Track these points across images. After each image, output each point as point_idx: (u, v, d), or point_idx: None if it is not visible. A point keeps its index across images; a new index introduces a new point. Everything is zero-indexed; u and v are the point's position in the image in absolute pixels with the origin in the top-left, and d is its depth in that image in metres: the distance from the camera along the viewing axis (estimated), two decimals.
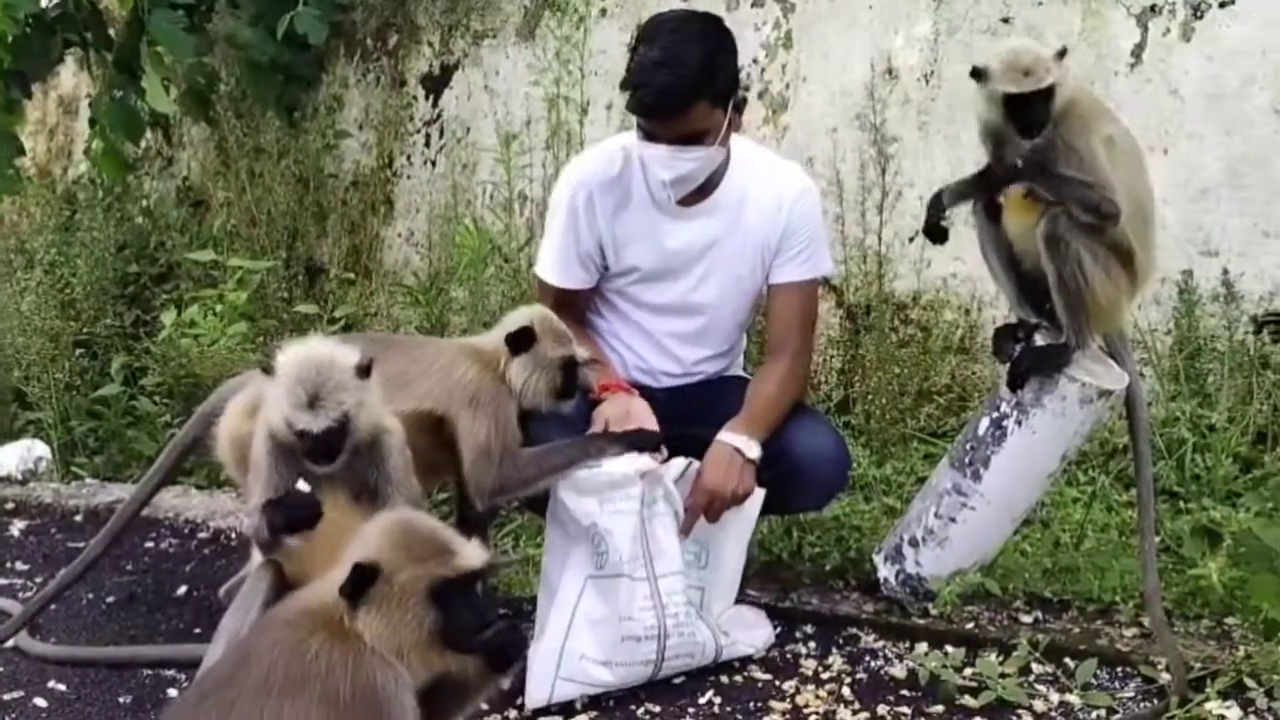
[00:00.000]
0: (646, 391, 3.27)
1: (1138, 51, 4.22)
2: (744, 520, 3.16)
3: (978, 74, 3.07)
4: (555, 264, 3.33)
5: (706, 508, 3.09)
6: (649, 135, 3.08)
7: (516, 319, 3.17)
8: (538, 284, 3.46)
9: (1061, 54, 3.04)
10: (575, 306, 3.37)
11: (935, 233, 3.23)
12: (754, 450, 3.10)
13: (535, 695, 2.96)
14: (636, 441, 3.07)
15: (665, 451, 3.10)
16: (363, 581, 2.05)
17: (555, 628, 2.97)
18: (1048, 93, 3.00)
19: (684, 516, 3.08)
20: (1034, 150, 3.03)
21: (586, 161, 3.33)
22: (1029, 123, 3.03)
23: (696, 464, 3.11)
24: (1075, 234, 3.01)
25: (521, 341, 3.09)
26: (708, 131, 3.08)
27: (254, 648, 2.11)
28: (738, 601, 3.24)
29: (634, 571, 3.01)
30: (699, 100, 3.04)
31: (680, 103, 3.03)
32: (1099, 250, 3.03)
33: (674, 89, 3.01)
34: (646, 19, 3.21)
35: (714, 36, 3.11)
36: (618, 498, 3.01)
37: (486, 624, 2.10)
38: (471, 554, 2.10)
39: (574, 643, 2.96)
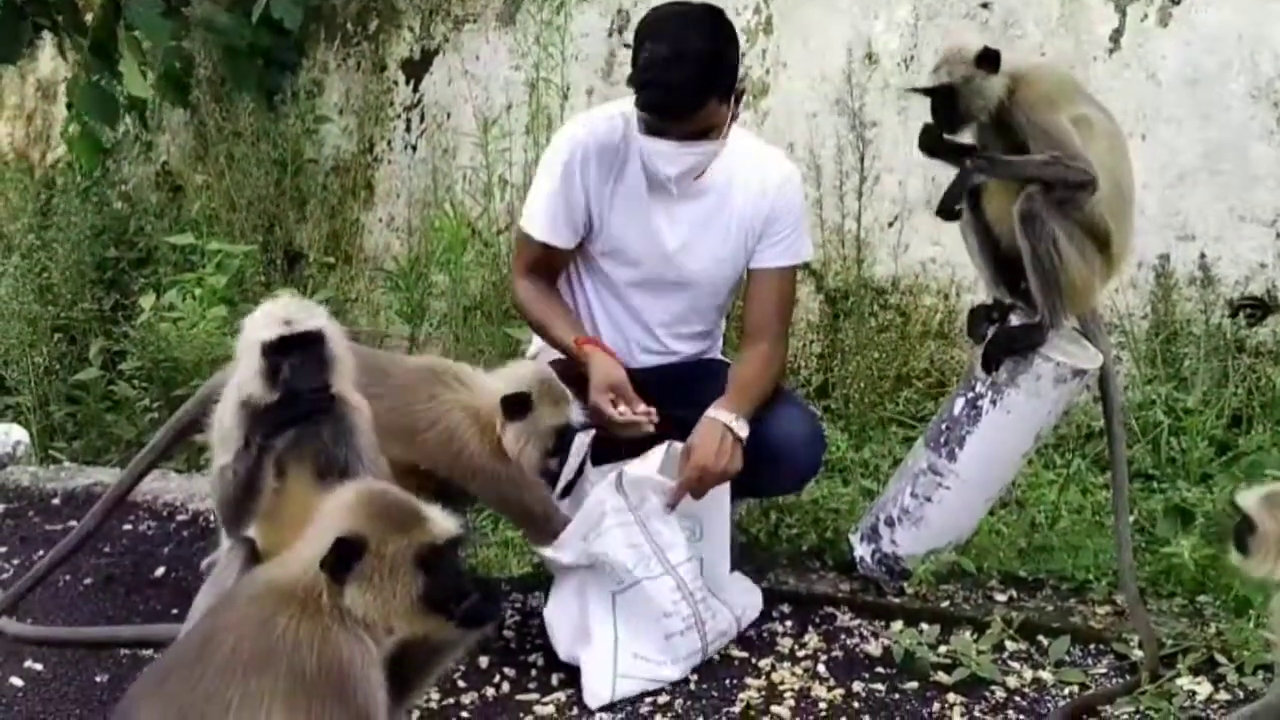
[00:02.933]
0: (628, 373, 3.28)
1: (1116, 37, 4.24)
2: (723, 488, 3.15)
3: None
4: (544, 219, 3.25)
5: (695, 483, 3.07)
6: (655, 130, 3.05)
7: (516, 378, 3.08)
8: (520, 238, 3.37)
9: (984, 55, 3.04)
10: (554, 266, 3.33)
11: (950, 213, 3.21)
12: (744, 429, 3.10)
13: (597, 694, 2.93)
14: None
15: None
16: (349, 555, 2.05)
17: (601, 635, 2.97)
18: (950, 90, 3.05)
19: (671, 493, 3.06)
20: (998, 132, 3.08)
21: (589, 123, 3.25)
22: (937, 115, 3.13)
23: (678, 445, 3.10)
24: (1051, 212, 3.03)
25: (517, 408, 3.02)
26: (715, 126, 3.06)
27: (218, 625, 2.10)
28: None
29: (650, 572, 3.01)
30: (710, 97, 3.01)
31: (694, 101, 3.00)
32: (1074, 230, 3.05)
33: (688, 87, 2.98)
34: (647, 11, 3.17)
35: (720, 30, 3.07)
36: (598, 521, 3.00)
37: (467, 588, 2.13)
38: (447, 520, 2.12)
39: (626, 644, 2.96)
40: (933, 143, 3.19)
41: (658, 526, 3.04)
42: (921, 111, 4.37)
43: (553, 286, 3.34)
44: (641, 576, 2.99)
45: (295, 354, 2.73)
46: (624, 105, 3.24)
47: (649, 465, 3.06)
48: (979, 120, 3.10)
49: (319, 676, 2.00)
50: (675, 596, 3.01)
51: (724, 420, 3.09)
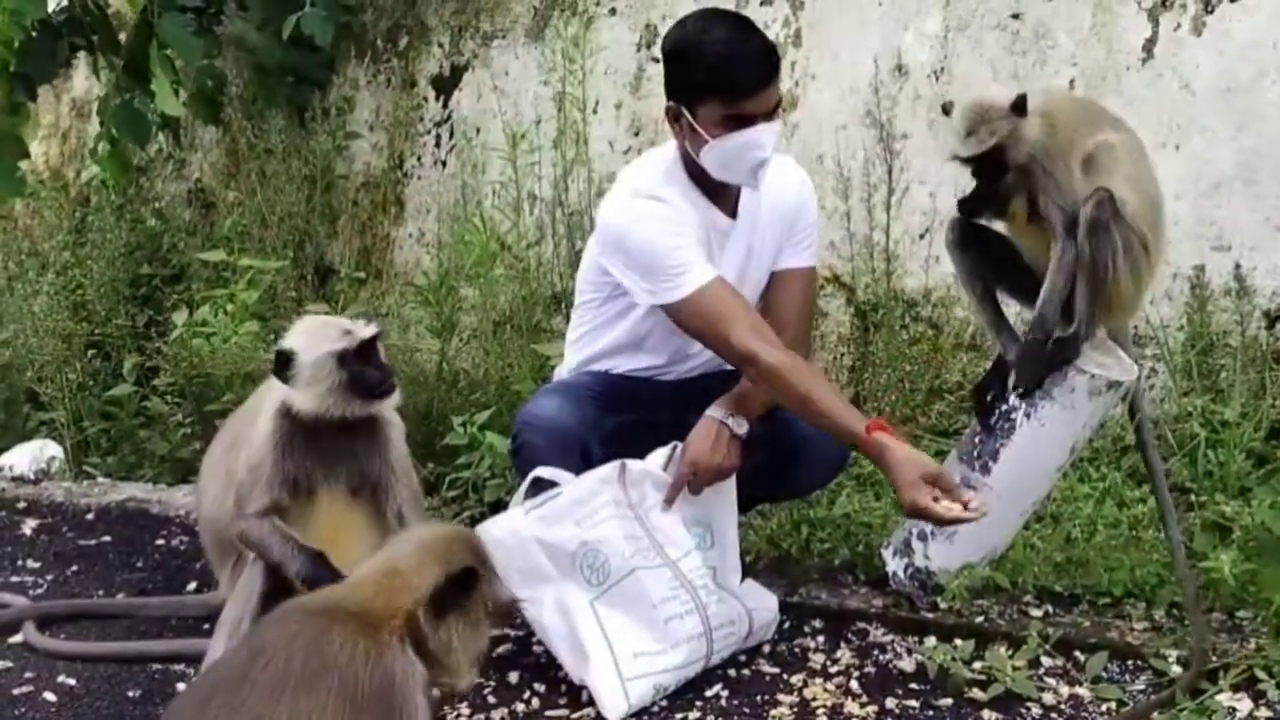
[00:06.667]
0: (654, 384, 3.28)
1: (1149, 46, 4.20)
2: (728, 491, 3.14)
3: (945, 111, 3.16)
4: (694, 257, 3.03)
5: (690, 480, 3.07)
6: (736, 123, 3.00)
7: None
8: (705, 306, 3.01)
9: (1018, 104, 3.03)
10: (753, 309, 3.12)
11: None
12: (741, 426, 3.08)
13: (613, 707, 2.90)
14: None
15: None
16: (464, 589, 2.10)
17: (597, 650, 2.94)
18: (994, 150, 3.04)
19: (668, 489, 3.06)
20: (1019, 171, 3.08)
21: (639, 180, 3.16)
22: (980, 175, 3.12)
23: (680, 446, 3.10)
24: (1119, 223, 3.01)
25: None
26: (780, 103, 3.12)
27: (266, 642, 2.07)
28: None
29: (647, 562, 3.00)
30: (779, 65, 3.10)
31: (775, 66, 3.06)
32: (1133, 241, 3.03)
33: (767, 54, 3.04)
34: (671, 28, 3.17)
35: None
36: (594, 508, 3.00)
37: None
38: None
39: (622, 648, 2.94)
40: (976, 209, 3.24)
41: (657, 522, 3.04)
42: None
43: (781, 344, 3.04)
44: (638, 566, 2.98)
45: (366, 358, 2.82)
46: (653, 158, 3.24)
47: (652, 461, 3.07)
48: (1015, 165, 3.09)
49: (371, 693, 1.99)
50: (674, 585, 3.00)
51: (720, 417, 3.09)
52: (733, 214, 3.22)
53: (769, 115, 3.05)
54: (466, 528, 2.32)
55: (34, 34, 5.43)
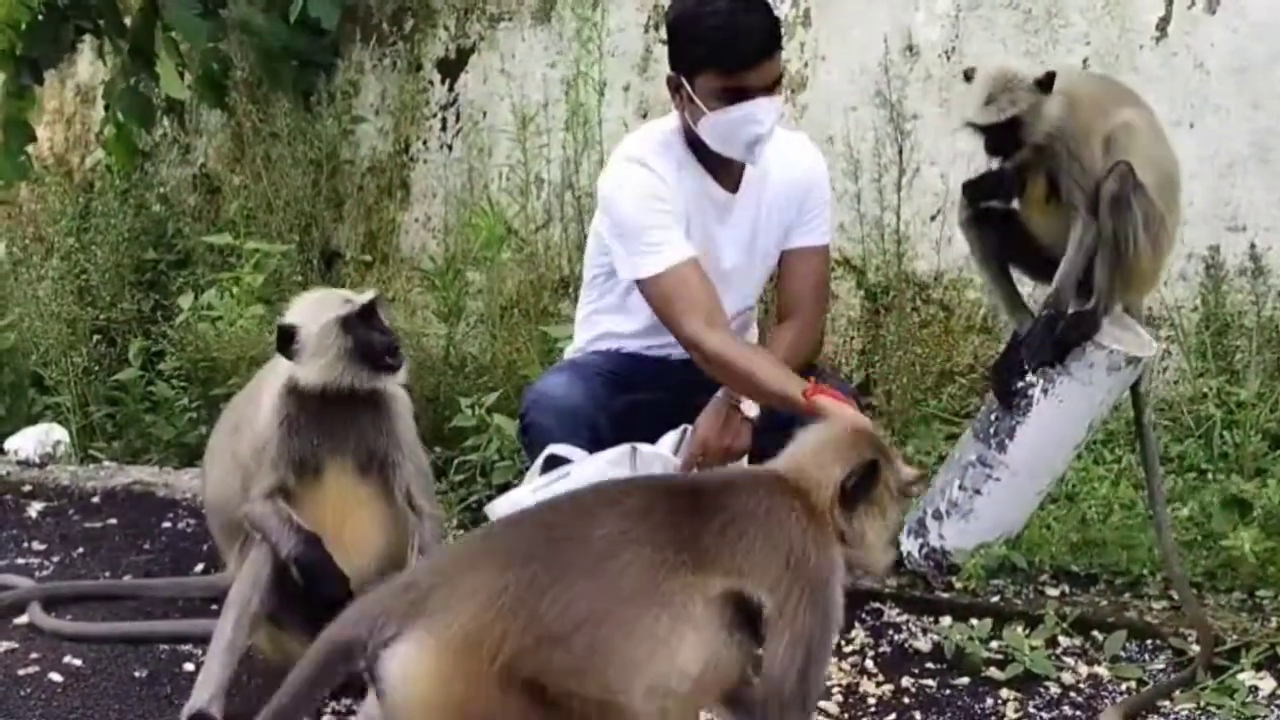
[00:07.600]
0: (663, 362, 3.24)
1: (1163, 25, 4.16)
2: None
3: (967, 77, 3.08)
4: (675, 235, 3.00)
5: (700, 461, 3.03)
6: (734, 95, 2.97)
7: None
8: (664, 287, 2.99)
9: (1045, 80, 2.96)
10: (714, 296, 3.01)
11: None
12: (752, 409, 3.05)
13: None
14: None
15: None
16: (867, 480, 2.18)
17: None
18: (1012, 122, 2.95)
19: (678, 470, 3.02)
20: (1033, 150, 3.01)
21: (636, 149, 3.15)
22: (995, 148, 3.03)
23: (691, 429, 3.06)
24: (1140, 196, 2.96)
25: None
26: (781, 77, 3.07)
27: (735, 477, 2.21)
28: None
29: None
30: (781, 39, 3.05)
31: (776, 39, 3.02)
32: (1152, 215, 2.99)
33: (768, 26, 3.00)
34: (671, 4, 3.14)
35: None
36: None
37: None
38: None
39: None
40: (981, 193, 3.16)
41: None
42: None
43: (731, 331, 3.06)
44: None
45: (369, 323, 2.80)
46: (653, 127, 3.21)
47: (663, 445, 3.04)
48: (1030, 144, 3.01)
49: (809, 569, 2.09)
50: None
51: (730, 399, 3.05)
52: (734, 188, 3.17)
53: (768, 89, 3.00)
54: (860, 426, 2.41)
55: (40, 18, 5.41)
